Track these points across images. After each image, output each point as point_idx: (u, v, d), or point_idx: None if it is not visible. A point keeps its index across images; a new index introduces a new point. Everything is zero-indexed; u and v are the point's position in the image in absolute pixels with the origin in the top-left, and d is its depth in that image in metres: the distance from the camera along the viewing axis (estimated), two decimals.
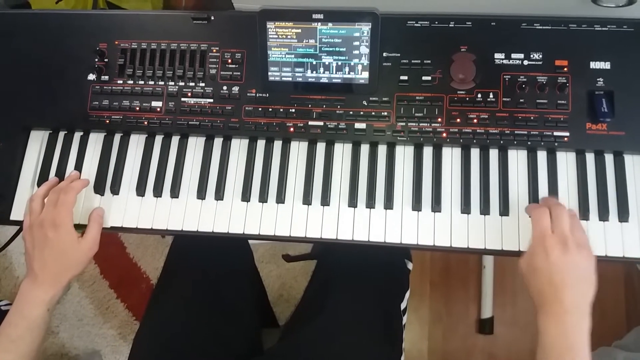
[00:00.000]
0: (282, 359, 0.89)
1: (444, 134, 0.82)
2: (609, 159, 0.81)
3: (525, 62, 0.82)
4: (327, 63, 0.82)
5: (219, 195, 0.84)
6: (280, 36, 0.80)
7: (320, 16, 0.78)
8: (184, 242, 1.02)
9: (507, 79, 0.81)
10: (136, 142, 0.88)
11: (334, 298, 0.92)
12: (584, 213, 0.78)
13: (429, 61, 0.83)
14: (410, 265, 1.05)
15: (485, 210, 0.80)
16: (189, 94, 0.86)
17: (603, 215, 0.78)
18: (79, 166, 0.88)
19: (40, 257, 0.79)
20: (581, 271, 0.69)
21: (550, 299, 0.69)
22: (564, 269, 0.68)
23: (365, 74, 0.82)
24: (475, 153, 0.82)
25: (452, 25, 0.83)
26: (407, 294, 1.01)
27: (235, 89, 0.85)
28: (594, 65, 0.81)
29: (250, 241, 1.57)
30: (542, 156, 0.81)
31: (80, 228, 0.83)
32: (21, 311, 0.78)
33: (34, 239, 0.80)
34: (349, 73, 0.82)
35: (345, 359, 0.86)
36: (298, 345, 0.89)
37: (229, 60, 0.86)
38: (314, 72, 0.82)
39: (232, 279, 0.99)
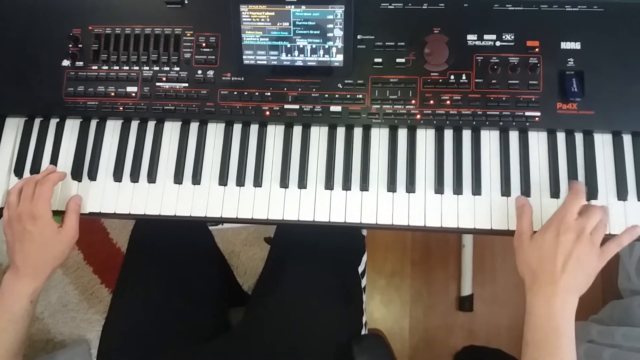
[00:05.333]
0: (243, 336, 0.90)
1: (418, 116, 0.83)
2: (579, 138, 0.82)
3: (498, 43, 0.82)
4: (301, 46, 0.82)
5: (196, 179, 0.85)
6: (254, 19, 0.80)
7: None
8: (144, 228, 1.02)
9: (479, 60, 0.82)
10: (112, 128, 0.88)
11: (290, 269, 0.93)
12: (555, 192, 0.80)
13: (403, 43, 0.83)
14: (364, 232, 1.07)
15: (458, 190, 0.81)
16: (164, 79, 0.86)
17: None
18: (55, 153, 0.88)
19: (22, 251, 0.79)
20: (584, 265, 0.69)
21: (545, 279, 0.69)
22: (569, 254, 0.69)
23: (340, 57, 0.82)
24: (448, 134, 0.83)
25: (425, 7, 0.83)
26: (364, 258, 1.03)
27: (210, 73, 0.85)
28: (565, 45, 0.82)
29: (231, 225, 1.59)
30: (514, 136, 0.83)
31: (59, 215, 0.83)
32: (4, 304, 0.78)
33: (14, 233, 0.79)
34: (323, 56, 0.82)
35: (305, 321, 0.88)
36: (259, 319, 0.90)
37: (204, 44, 0.86)
38: (289, 55, 0.83)
39: (195, 261, 1.00)
